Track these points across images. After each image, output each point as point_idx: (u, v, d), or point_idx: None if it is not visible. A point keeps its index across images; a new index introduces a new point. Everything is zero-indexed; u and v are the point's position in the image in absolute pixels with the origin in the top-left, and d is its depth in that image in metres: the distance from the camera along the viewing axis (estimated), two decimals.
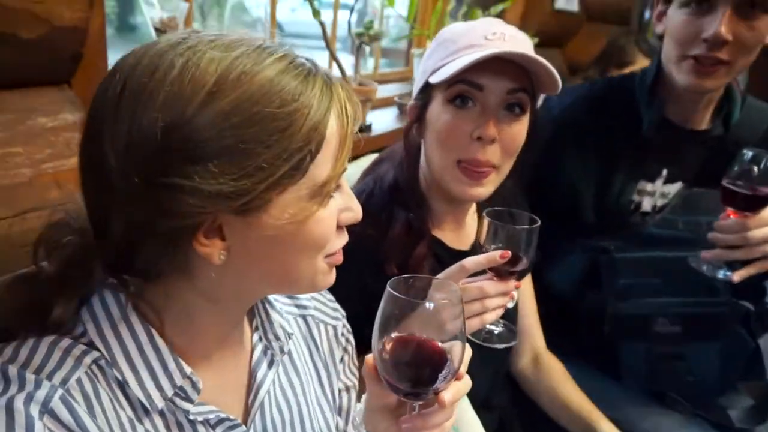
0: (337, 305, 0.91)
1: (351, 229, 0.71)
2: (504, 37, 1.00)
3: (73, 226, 0.67)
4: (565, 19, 3.11)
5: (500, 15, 2.70)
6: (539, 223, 0.94)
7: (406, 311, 0.67)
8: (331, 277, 0.72)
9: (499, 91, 1.00)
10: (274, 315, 0.79)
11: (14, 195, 0.86)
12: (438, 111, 1.04)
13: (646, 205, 1.42)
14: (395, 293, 0.66)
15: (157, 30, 1.40)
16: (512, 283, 0.94)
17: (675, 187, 1.41)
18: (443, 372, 0.66)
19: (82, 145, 0.62)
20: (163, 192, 0.56)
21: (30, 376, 0.58)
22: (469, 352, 0.69)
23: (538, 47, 2.14)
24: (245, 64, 0.58)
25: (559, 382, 1.33)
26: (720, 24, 1.16)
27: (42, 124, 0.91)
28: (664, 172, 1.40)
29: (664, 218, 1.36)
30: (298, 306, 0.86)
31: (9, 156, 0.87)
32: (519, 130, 1.03)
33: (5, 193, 0.85)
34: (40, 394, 0.57)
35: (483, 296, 0.91)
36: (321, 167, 0.62)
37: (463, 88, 1.00)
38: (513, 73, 1.00)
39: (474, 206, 1.23)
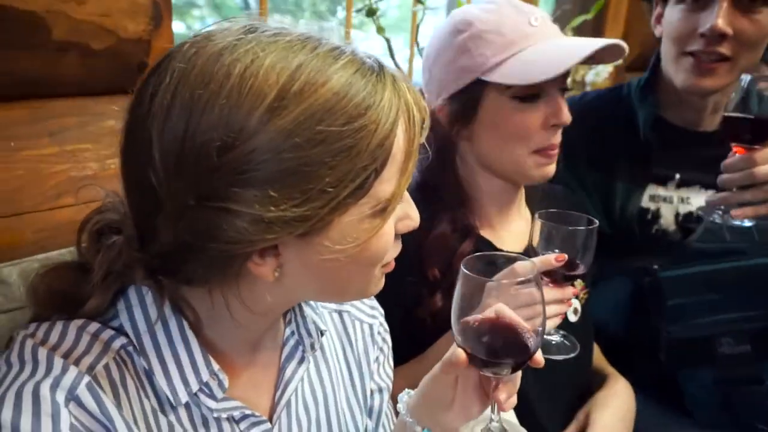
0: (375, 303, 0.89)
1: None
2: (546, 19, 1.01)
3: (119, 224, 0.64)
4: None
5: (597, 35, 2.61)
6: (597, 224, 0.90)
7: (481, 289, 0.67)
8: (381, 284, 0.69)
9: (562, 78, 1.01)
10: (307, 310, 0.77)
11: (80, 186, 0.97)
12: (501, 110, 1.01)
13: (666, 213, 1.31)
14: (470, 273, 0.67)
15: None
16: (569, 290, 0.91)
17: (694, 192, 1.31)
18: (531, 339, 0.68)
19: (126, 148, 0.59)
20: (217, 215, 0.53)
21: (58, 360, 0.57)
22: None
23: (632, 70, 2.03)
24: (309, 72, 0.53)
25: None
26: (717, 16, 1.10)
27: (110, 126, 1.03)
28: (677, 176, 1.31)
29: (707, 230, 1.23)
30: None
31: (79, 152, 0.99)
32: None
33: (74, 184, 0.97)
34: (67, 380, 0.56)
35: (533, 302, 0.88)
36: (386, 183, 0.58)
37: (531, 89, 0.99)
38: None
39: (525, 206, 1.19)
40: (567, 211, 0.95)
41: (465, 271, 0.67)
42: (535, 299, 0.70)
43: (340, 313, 0.84)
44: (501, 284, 0.69)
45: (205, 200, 0.53)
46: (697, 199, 1.33)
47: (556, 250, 0.89)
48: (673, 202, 1.33)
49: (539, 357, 0.68)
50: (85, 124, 1.00)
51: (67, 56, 0.94)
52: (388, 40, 1.58)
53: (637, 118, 1.33)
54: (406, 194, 0.65)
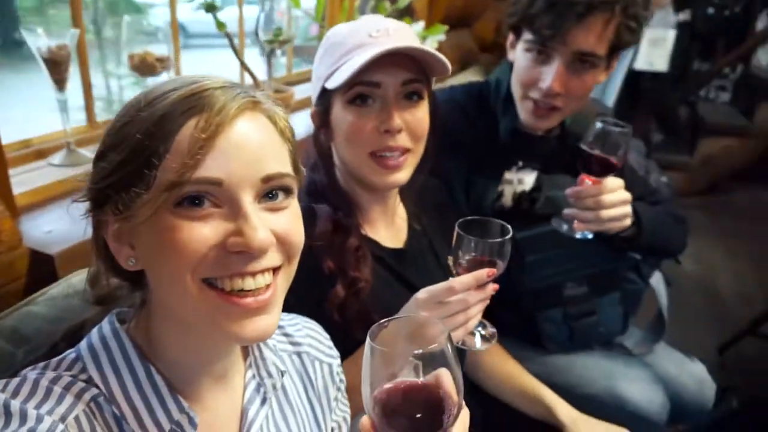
0: (332, 344, 0.90)
1: None
2: (388, 31, 1.03)
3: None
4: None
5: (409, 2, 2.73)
6: (511, 234, 0.99)
7: (392, 358, 0.60)
8: (251, 328, 0.64)
9: (394, 85, 1.03)
10: (266, 352, 0.78)
11: None
12: (341, 114, 1.05)
13: (507, 192, 1.53)
14: (374, 344, 0.59)
15: (46, 60, 1.29)
16: (490, 288, 0.98)
17: (527, 173, 1.54)
18: (446, 411, 0.59)
19: None
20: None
21: (32, 412, 0.58)
22: (460, 378, 0.61)
23: (448, 30, 2.19)
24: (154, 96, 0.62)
25: (497, 361, 1.38)
26: (553, 79, 1.31)
27: None
28: (519, 162, 1.53)
29: (547, 198, 1.47)
30: (292, 343, 0.85)
31: None
32: (421, 115, 1.07)
33: None
34: (43, 427, 0.57)
35: (466, 307, 0.95)
36: (169, 173, 0.58)
37: (360, 89, 1.02)
38: (405, 65, 1.03)
39: (401, 204, 1.25)
40: (483, 218, 1.01)
41: (372, 343, 0.59)
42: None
43: (299, 354, 0.85)
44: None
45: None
46: (527, 178, 1.54)
47: (473, 254, 0.97)
48: (512, 183, 1.53)
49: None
50: None
51: None
52: (229, 36, 1.50)
53: (498, 122, 1.50)
54: (251, 216, 0.61)
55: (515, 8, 1.36)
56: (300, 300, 0.91)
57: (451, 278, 0.96)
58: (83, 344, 0.68)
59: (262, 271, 0.63)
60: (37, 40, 1.29)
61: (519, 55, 1.39)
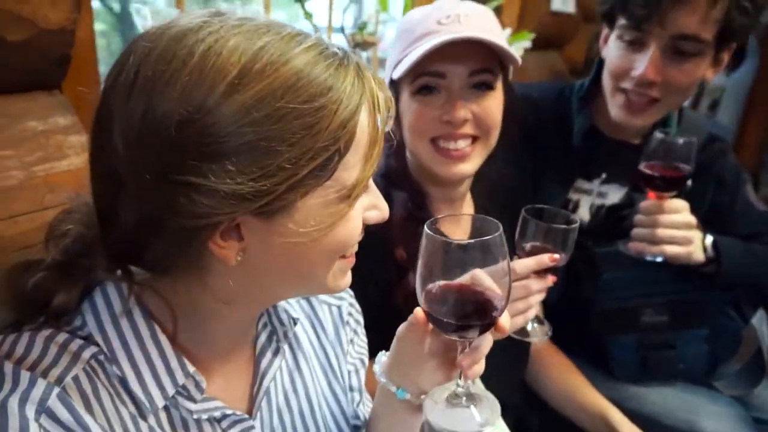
0: None
1: None
2: (459, 18, 0.99)
3: (78, 216, 0.64)
4: (562, 20, 3.11)
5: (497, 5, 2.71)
6: (578, 224, 0.96)
7: (446, 251, 0.65)
8: (347, 280, 0.69)
9: (460, 75, 1.00)
10: None
11: (5, 198, 0.86)
12: (407, 104, 1.04)
13: (584, 203, 1.43)
14: (434, 234, 0.64)
15: None
16: (550, 278, 0.97)
17: (613, 188, 1.43)
18: (496, 302, 0.67)
19: (93, 131, 0.58)
20: (176, 190, 0.53)
21: (25, 374, 0.55)
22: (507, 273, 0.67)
23: (536, 49, 2.14)
24: (272, 53, 0.53)
25: (562, 372, 1.32)
26: (647, 66, 1.20)
27: (32, 128, 0.91)
28: (603, 174, 1.42)
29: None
30: None
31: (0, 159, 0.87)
32: (490, 105, 1.03)
33: None
34: (36, 392, 0.54)
35: (527, 294, 0.94)
36: (351, 168, 0.58)
37: (425, 80, 1.00)
38: (473, 54, 0.99)
39: (471, 200, 1.22)
40: (549, 207, 0.99)
41: (429, 232, 0.64)
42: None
43: (308, 299, 0.84)
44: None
45: (164, 175, 0.53)
46: (613, 195, 1.43)
47: (537, 243, 0.96)
48: (591, 194, 1.44)
49: (504, 324, 0.68)
50: (4, 127, 0.87)
51: None
52: (315, 27, 1.53)
53: (573, 124, 1.41)
54: (374, 186, 0.65)
55: None
56: (365, 282, 0.91)
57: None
58: (85, 299, 0.64)
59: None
60: (145, 23, 1.36)
61: (611, 45, 1.30)
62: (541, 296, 0.97)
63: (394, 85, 1.05)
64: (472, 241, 0.62)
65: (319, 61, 0.55)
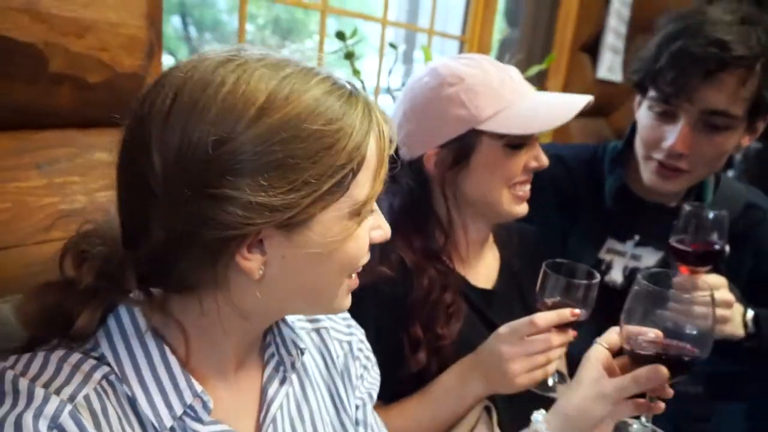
0: (350, 321, 0.91)
1: (365, 267, 0.73)
2: (520, 76, 1.12)
3: (103, 237, 0.67)
4: (609, 88, 3.15)
5: (541, 85, 2.78)
6: (598, 279, 0.98)
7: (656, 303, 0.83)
8: (348, 301, 0.74)
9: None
10: (286, 331, 0.80)
11: (69, 221, 0.95)
12: (496, 154, 1.08)
13: (617, 265, 1.42)
14: (653, 286, 0.83)
15: None
16: (571, 333, 0.99)
17: (648, 251, 1.42)
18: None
19: (124, 152, 0.63)
20: (212, 203, 0.58)
21: (39, 391, 0.58)
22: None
23: (582, 115, 2.18)
24: (293, 83, 0.61)
25: None
26: (677, 139, 1.21)
27: (99, 159, 1.01)
28: (636, 237, 1.41)
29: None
30: (310, 320, 0.87)
31: (68, 184, 0.97)
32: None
33: (63, 217, 0.95)
34: (49, 409, 0.57)
35: (548, 348, 0.96)
36: (361, 186, 0.65)
37: (519, 140, 1.07)
38: None
39: (493, 244, 1.26)
40: (570, 261, 1.03)
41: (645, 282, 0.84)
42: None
43: (317, 330, 0.87)
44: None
45: (200, 189, 0.58)
46: (647, 258, 1.43)
47: (558, 298, 0.98)
48: (625, 256, 1.43)
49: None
50: (74, 156, 0.98)
51: (62, 88, 0.93)
52: (363, 83, 1.64)
53: (605, 183, 1.43)
54: (378, 209, 0.72)
55: (640, 64, 1.29)
56: (381, 335, 0.97)
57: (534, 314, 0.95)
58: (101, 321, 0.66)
59: None
60: None
61: (642, 113, 1.33)
62: (561, 351, 0.99)
63: (470, 136, 1.08)
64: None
65: (333, 91, 0.63)
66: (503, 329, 0.98)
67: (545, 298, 1.01)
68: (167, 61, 1.17)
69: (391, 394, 1.05)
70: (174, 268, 0.63)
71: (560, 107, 1.07)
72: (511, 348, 0.95)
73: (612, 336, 0.90)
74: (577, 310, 0.96)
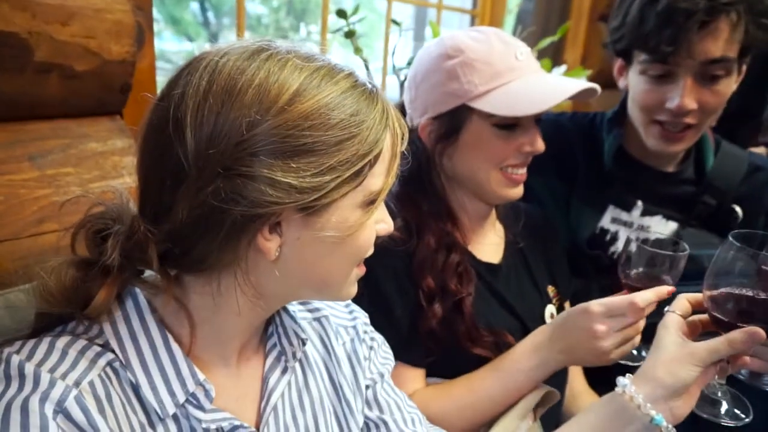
0: (352, 306, 0.92)
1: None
2: (529, 55, 1.06)
3: (116, 218, 0.66)
4: None
5: (558, 58, 2.70)
6: (687, 251, 0.98)
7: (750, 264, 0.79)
8: (354, 289, 0.75)
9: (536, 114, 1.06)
10: (287, 322, 0.80)
11: (63, 211, 0.94)
12: (485, 134, 1.05)
13: (623, 236, 1.39)
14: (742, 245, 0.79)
15: None
16: (654, 304, 0.98)
17: (657, 220, 1.39)
18: None
19: (151, 131, 0.64)
20: (244, 181, 0.60)
21: (45, 376, 0.59)
22: None
23: (603, 88, 2.12)
24: (323, 74, 0.64)
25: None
26: (683, 96, 1.20)
27: (93, 149, 1.00)
28: (639, 203, 1.39)
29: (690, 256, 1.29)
30: (310, 310, 0.87)
31: (61, 176, 0.96)
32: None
33: (56, 209, 0.94)
34: (55, 393, 0.58)
35: (639, 318, 0.96)
36: (376, 178, 0.68)
37: (515, 120, 1.04)
38: None
39: (497, 221, 1.24)
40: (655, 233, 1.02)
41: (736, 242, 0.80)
42: None
43: (318, 320, 0.88)
44: None
45: (232, 168, 0.60)
46: (658, 227, 1.40)
47: (641, 269, 1.00)
48: (632, 227, 1.40)
49: None
50: (67, 147, 0.97)
51: (50, 78, 0.91)
52: (366, 61, 1.60)
53: (603, 147, 1.41)
54: (383, 204, 0.74)
55: (621, 32, 1.28)
56: (391, 308, 0.97)
57: (630, 293, 0.96)
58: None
59: None
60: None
61: (634, 80, 1.30)
62: (643, 322, 0.98)
63: (461, 112, 1.06)
64: None
65: (357, 86, 0.67)
66: (596, 308, 0.96)
67: (630, 269, 1.02)
68: (186, 47, 1.15)
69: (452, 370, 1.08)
70: (195, 247, 0.64)
71: (554, 91, 1.02)
72: (604, 326, 0.95)
73: (683, 302, 0.89)
74: (672, 288, 0.96)
